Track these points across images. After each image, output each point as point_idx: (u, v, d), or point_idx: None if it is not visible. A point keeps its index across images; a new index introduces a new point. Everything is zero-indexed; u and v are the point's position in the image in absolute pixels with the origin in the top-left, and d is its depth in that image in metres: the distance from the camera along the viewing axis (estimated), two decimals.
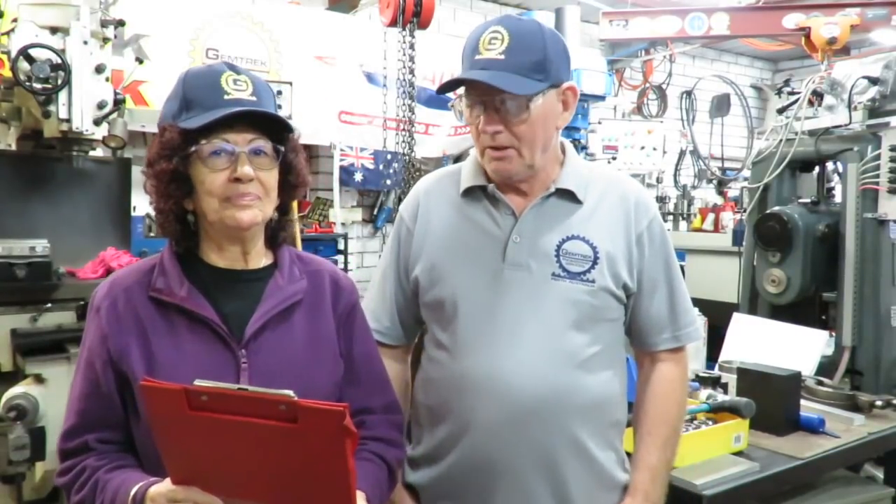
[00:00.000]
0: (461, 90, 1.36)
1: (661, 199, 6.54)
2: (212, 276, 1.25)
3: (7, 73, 2.23)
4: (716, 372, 2.47)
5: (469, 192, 1.44)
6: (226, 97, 1.18)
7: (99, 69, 2.27)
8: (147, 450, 1.18)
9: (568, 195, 1.41)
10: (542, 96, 1.31)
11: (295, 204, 4.29)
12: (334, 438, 0.96)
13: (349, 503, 1.02)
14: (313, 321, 1.30)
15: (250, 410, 0.95)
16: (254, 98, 1.21)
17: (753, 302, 3.38)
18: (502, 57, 1.29)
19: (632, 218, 1.42)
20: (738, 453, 1.87)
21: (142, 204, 3.26)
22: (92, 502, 1.17)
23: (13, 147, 2.68)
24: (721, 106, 7.18)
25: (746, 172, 5.41)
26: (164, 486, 1.06)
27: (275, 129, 1.23)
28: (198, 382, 0.95)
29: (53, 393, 1.99)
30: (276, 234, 1.33)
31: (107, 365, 1.20)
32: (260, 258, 1.30)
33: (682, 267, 4.74)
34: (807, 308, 3.20)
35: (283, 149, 1.24)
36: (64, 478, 1.21)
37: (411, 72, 3.86)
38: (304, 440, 0.96)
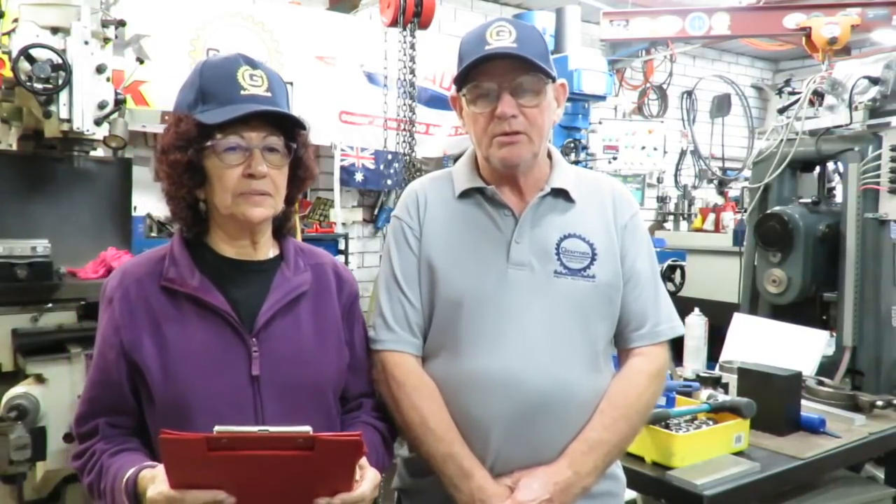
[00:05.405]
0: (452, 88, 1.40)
1: (662, 199, 6.55)
2: (221, 266, 1.28)
3: (8, 73, 2.23)
4: (716, 372, 2.47)
5: (465, 195, 1.46)
6: (242, 92, 1.21)
7: (100, 69, 2.26)
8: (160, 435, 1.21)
9: (562, 195, 1.45)
10: (550, 84, 1.38)
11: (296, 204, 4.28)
12: (350, 460, 1.04)
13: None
14: (319, 311, 1.33)
15: (268, 445, 0.98)
16: (269, 94, 1.23)
17: (754, 302, 3.37)
18: (515, 45, 1.33)
19: (616, 212, 1.47)
20: (739, 453, 1.87)
21: (143, 204, 3.27)
22: (98, 485, 1.21)
23: (14, 147, 2.68)
24: (722, 106, 7.18)
25: (747, 172, 5.41)
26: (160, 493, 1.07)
27: (287, 123, 1.26)
28: (218, 428, 0.97)
29: (54, 393, 1.99)
30: (282, 224, 1.36)
31: (119, 355, 1.23)
32: (267, 249, 1.34)
33: (682, 267, 4.76)
34: (807, 308, 3.20)
35: (294, 145, 1.27)
36: (77, 461, 1.26)
37: (412, 72, 3.87)
38: (319, 463, 1.01)
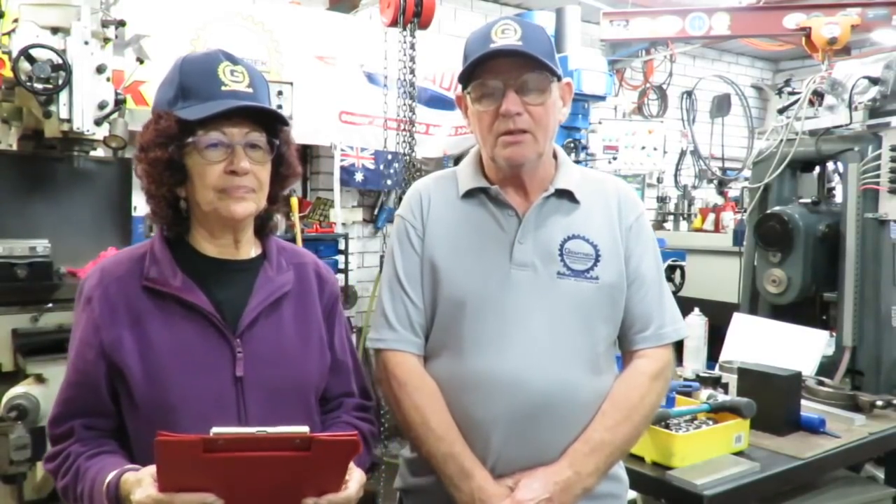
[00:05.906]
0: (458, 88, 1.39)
1: (662, 199, 6.54)
2: (203, 265, 1.26)
3: (8, 73, 2.23)
4: (716, 372, 2.47)
5: (469, 195, 1.45)
6: (223, 88, 1.19)
7: (100, 69, 2.26)
8: (141, 437, 1.18)
9: (566, 195, 1.44)
10: (555, 82, 1.37)
11: (295, 204, 4.29)
12: (345, 460, 1.03)
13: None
14: (301, 312, 1.32)
15: (264, 447, 0.97)
16: (250, 90, 1.22)
17: (754, 302, 3.38)
18: (520, 43, 1.33)
19: (622, 213, 1.46)
20: (739, 453, 1.88)
21: (142, 204, 3.26)
22: (74, 489, 1.18)
23: (14, 147, 2.68)
24: (721, 106, 7.18)
25: (747, 172, 5.42)
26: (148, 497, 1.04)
27: (269, 120, 1.25)
28: (215, 430, 0.96)
29: (54, 393, 1.97)
30: (264, 223, 1.35)
31: (99, 356, 1.20)
32: (250, 247, 1.32)
33: (682, 267, 4.75)
34: (807, 308, 3.20)
35: (277, 142, 1.26)
36: (51, 464, 1.23)
37: (412, 72, 3.87)
38: (313, 464, 1.01)
